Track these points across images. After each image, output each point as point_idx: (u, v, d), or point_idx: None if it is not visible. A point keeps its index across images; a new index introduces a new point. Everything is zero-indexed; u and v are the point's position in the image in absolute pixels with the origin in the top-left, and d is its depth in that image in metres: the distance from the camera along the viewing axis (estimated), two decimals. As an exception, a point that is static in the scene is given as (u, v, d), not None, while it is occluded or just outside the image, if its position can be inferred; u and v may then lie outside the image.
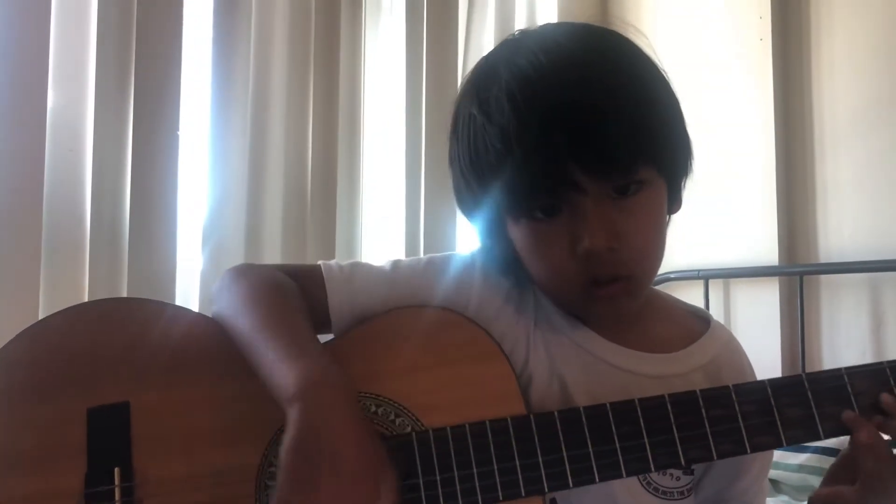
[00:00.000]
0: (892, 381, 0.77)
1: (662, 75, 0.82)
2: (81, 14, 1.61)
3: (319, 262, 0.88)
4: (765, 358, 2.14)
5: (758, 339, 2.20)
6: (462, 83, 0.86)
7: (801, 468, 1.88)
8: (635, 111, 0.76)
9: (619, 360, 0.84)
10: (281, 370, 0.71)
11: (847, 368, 0.77)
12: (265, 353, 0.74)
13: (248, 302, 0.80)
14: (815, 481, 1.83)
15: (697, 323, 0.90)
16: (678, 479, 0.83)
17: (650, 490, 0.82)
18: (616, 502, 0.81)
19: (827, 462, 1.82)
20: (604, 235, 0.74)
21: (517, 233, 0.81)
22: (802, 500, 1.81)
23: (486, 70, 0.82)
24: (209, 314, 0.86)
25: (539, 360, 0.84)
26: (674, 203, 0.84)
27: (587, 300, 0.79)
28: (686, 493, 0.83)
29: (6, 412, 0.76)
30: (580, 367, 0.83)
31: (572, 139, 0.73)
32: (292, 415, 0.68)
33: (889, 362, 0.77)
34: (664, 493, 0.82)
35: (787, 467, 1.91)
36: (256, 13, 1.88)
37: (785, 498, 1.89)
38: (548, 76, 0.76)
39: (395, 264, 0.89)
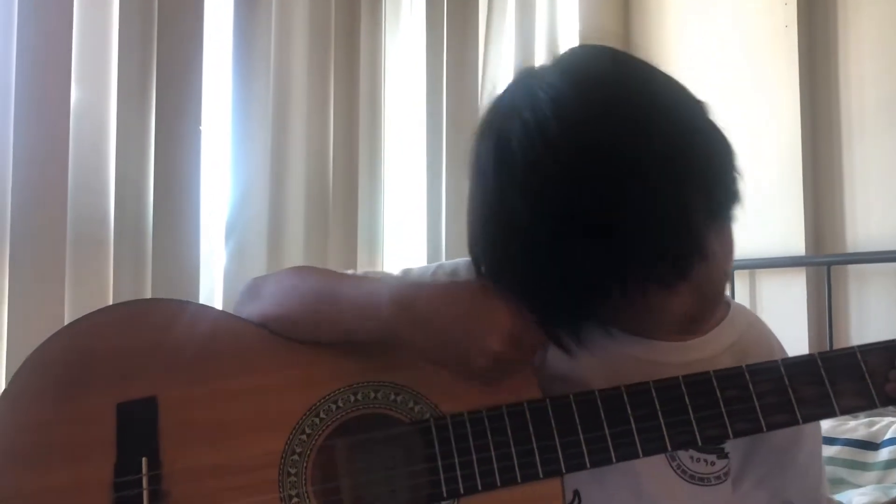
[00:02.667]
0: None
1: (718, 127, 0.78)
2: (104, 11, 1.64)
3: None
4: (792, 349, 2.10)
5: (785, 330, 2.14)
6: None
7: (831, 461, 1.86)
8: (721, 145, 0.76)
9: (642, 351, 0.83)
10: (371, 297, 0.76)
11: (860, 346, 0.77)
12: (346, 297, 0.78)
13: (299, 280, 0.84)
14: (846, 473, 1.80)
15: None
16: (712, 464, 0.82)
17: (685, 477, 0.81)
18: (641, 492, 0.80)
19: (859, 454, 1.80)
20: (724, 272, 0.81)
21: (626, 293, 0.74)
22: (833, 493, 1.78)
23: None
24: (232, 311, 0.88)
25: (558, 359, 0.83)
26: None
27: (679, 328, 0.83)
28: (723, 477, 0.82)
29: (40, 409, 0.78)
30: (601, 362, 0.83)
31: (701, 193, 0.73)
32: (407, 316, 0.73)
33: None
34: (700, 479, 0.82)
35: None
36: (277, 10, 1.90)
37: (815, 490, 1.87)
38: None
39: (406, 272, 0.91)
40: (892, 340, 0.77)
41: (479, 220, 0.79)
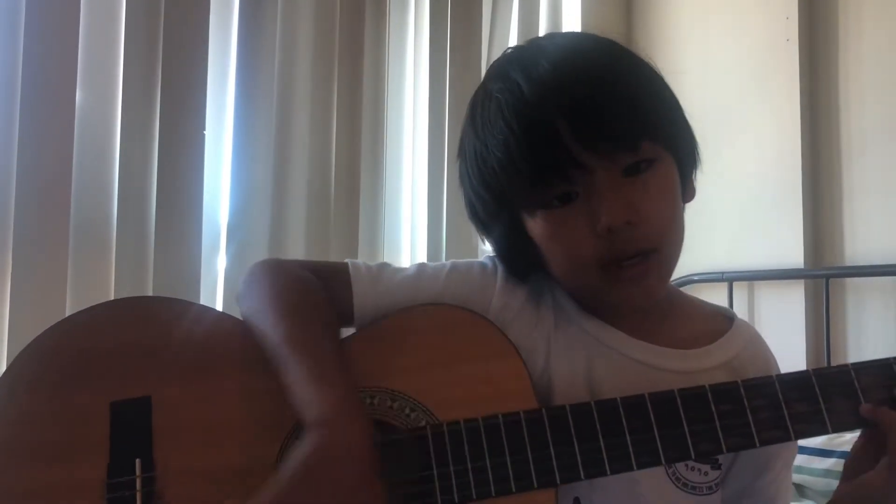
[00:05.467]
0: None
1: (657, 70, 0.84)
2: (110, 14, 1.65)
3: (347, 261, 0.89)
4: (789, 362, 2.09)
5: (783, 342, 2.15)
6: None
7: (827, 473, 1.86)
8: (632, 90, 0.78)
9: (644, 356, 0.84)
10: (304, 391, 0.74)
11: (854, 364, 0.77)
12: (290, 369, 0.76)
13: (274, 308, 0.82)
14: (841, 486, 1.81)
15: (722, 321, 0.91)
16: (706, 473, 0.83)
17: (679, 485, 0.82)
18: (639, 499, 0.81)
19: (854, 467, 1.80)
20: (620, 210, 0.76)
21: (535, 226, 0.82)
22: (828, 506, 1.78)
23: (482, 88, 0.86)
24: (233, 312, 0.88)
25: (561, 361, 0.84)
26: (686, 191, 0.85)
27: (613, 284, 0.79)
28: (714, 487, 0.83)
29: (32, 404, 0.78)
30: (605, 364, 0.84)
31: (573, 122, 0.75)
32: (311, 438, 0.71)
33: (895, 358, 0.77)
34: (693, 487, 0.82)
35: (812, 472, 1.89)
36: (282, 14, 1.91)
37: (810, 503, 1.87)
38: (543, 71, 0.78)
39: (421, 269, 0.90)
40: (887, 359, 0.77)
41: (471, 188, 0.86)
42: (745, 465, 0.85)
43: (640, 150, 0.77)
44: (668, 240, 0.80)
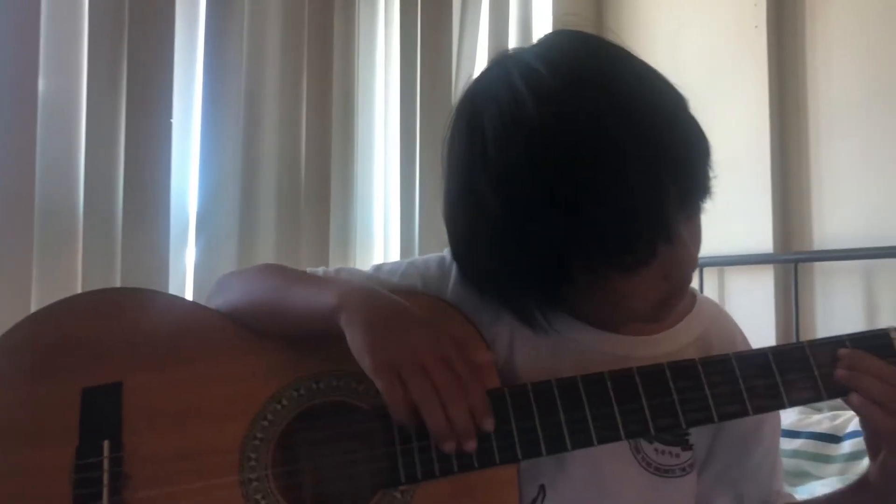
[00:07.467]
0: None
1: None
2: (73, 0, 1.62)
3: (306, 270, 0.91)
4: (759, 345, 2.13)
5: (753, 326, 2.15)
6: (468, 116, 0.78)
7: (795, 454, 1.89)
8: (698, 138, 0.75)
9: (611, 347, 0.84)
10: (320, 295, 0.77)
11: (809, 341, 0.79)
12: (298, 294, 0.80)
13: (262, 278, 0.86)
14: (810, 466, 1.84)
15: (686, 300, 0.90)
16: (677, 455, 0.83)
17: (651, 470, 0.82)
18: (605, 485, 0.81)
19: (822, 447, 1.83)
20: (693, 261, 0.76)
21: (593, 278, 0.74)
22: (797, 485, 1.81)
23: (521, 110, 0.72)
24: (202, 303, 0.89)
25: (525, 356, 0.84)
26: None
27: (651, 315, 0.80)
28: (687, 469, 0.84)
29: (4, 393, 0.78)
30: (571, 359, 0.83)
31: (683, 187, 0.72)
32: (346, 316, 0.74)
33: (849, 335, 0.79)
34: (666, 471, 0.83)
35: (781, 453, 1.92)
36: (250, 3, 1.90)
37: (779, 483, 1.90)
38: (631, 118, 0.70)
39: (378, 267, 0.92)
40: (839, 336, 0.79)
41: (451, 207, 0.81)
42: (729, 441, 0.85)
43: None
44: None
